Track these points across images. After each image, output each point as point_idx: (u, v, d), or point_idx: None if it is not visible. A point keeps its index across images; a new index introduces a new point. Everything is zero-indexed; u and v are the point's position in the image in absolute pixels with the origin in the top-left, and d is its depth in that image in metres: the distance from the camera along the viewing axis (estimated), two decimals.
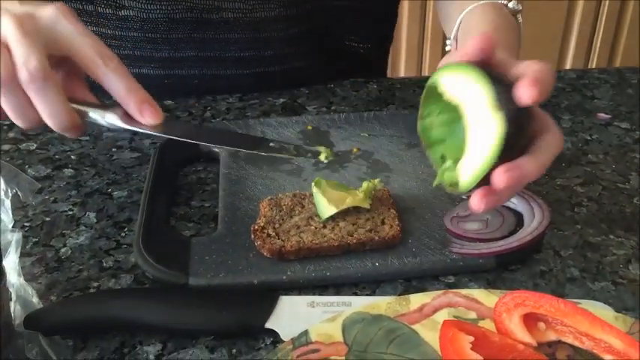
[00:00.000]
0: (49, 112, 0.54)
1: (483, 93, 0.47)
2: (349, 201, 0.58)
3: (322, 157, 0.59)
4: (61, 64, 0.56)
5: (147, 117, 0.56)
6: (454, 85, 0.50)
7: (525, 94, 0.46)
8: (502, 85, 0.47)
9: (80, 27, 0.55)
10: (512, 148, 0.47)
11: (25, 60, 0.51)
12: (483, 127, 0.48)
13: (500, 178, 0.47)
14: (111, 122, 0.56)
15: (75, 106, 0.56)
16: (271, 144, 0.60)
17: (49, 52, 0.53)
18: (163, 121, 0.56)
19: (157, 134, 0.57)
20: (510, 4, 0.72)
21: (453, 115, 0.51)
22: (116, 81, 0.55)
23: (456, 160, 0.51)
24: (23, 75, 0.51)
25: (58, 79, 0.54)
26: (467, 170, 0.49)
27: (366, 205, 0.59)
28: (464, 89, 0.49)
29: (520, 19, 0.74)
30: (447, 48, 0.77)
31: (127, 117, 0.56)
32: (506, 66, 0.51)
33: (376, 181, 0.62)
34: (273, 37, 0.85)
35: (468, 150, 0.49)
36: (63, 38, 0.54)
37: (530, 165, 0.48)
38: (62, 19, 0.54)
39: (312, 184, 0.60)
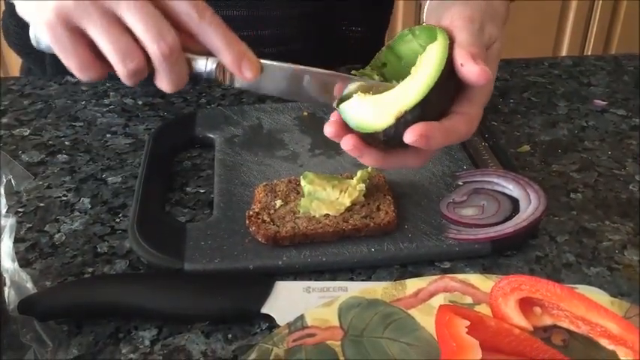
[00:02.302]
0: (174, 80, 0.52)
1: (441, 49, 0.48)
2: (344, 201, 0.58)
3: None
4: None
5: (245, 72, 0.52)
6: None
7: (476, 69, 0.47)
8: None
9: None
10: (435, 101, 0.47)
11: (160, 34, 0.49)
12: (428, 61, 0.48)
13: (415, 129, 0.46)
14: (209, 75, 0.53)
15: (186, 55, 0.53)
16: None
17: None
18: (262, 75, 0.53)
19: (254, 90, 0.55)
20: None
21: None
22: (212, 34, 0.51)
23: (397, 78, 0.51)
24: (163, 51, 0.49)
25: (180, 48, 0.51)
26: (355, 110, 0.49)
27: (361, 198, 0.58)
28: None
29: None
30: None
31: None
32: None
33: (370, 168, 0.62)
34: (271, 16, 0.84)
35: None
36: None
37: (438, 133, 0.48)
38: None
39: (301, 178, 0.60)
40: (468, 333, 0.41)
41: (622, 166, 0.69)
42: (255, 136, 0.72)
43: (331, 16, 0.91)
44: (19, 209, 0.62)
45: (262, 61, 0.53)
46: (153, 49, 0.49)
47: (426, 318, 0.46)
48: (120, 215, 0.61)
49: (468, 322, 0.41)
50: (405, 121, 0.46)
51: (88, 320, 0.50)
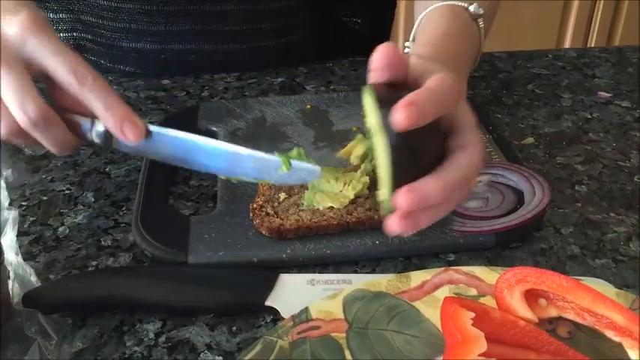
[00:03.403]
0: (52, 144, 0.53)
1: (374, 116, 0.46)
2: (348, 194, 0.58)
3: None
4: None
5: (128, 135, 0.52)
6: (367, 109, 0.49)
7: (396, 118, 0.43)
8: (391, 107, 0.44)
9: (50, 43, 0.51)
10: (407, 170, 0.46)
11: (21, 106, 0.50)
12: (378, 152, 0.47)
13: (400, 199, 0.45)
14: (98, 139, 0.54)
15: (69, 117, 0.54)
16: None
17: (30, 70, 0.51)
18: (151, 138, 0.53)
19: (143, 155, 0.54)
20: (471, 8, 0.67)
21: None
22: (93, 99, 0.52)
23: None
24: (24, 121, 0.50)
25: (54, 114, 0.52)
26: (380, 194, 0.48)
27: (365, 190, 0.58)
28: (368, 113, 0.48)
29: (481, 23, 0.68)
30: (406, 50, 0.72)
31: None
32: (421, 76, 0.48)
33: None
34: (270, 8, 0.84)
35: (378, 174, 0.48)
36: (34, 58, 0.51)
37: (430, 185, 0.45)
38: (29, 37, 0.51)
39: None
40: (473, 325, 0.41)
41: (627, 158, 0.69)
42: (258, 129, 0.71)
43: (331, 8, 0.90)
44: (23, 203, 0.62)
45: (152, 127, 0.53)
46: (17, 117, 0.50)
47: (430, 310, 0.46)
48: (123, 208, 0.61)
49: (473, 314, 0.41)
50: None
51: (93, 313, 0.50)
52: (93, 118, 0.53)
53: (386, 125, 0.45)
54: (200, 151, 0.53)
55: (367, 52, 0.96)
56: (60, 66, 0.51)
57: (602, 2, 2.06)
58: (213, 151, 0.53)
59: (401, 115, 0.43)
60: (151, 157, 0.55)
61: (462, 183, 0.48)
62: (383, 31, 1.01)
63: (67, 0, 0.82)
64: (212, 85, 0.84)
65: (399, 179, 0.45)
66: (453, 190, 0.47)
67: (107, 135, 0.53)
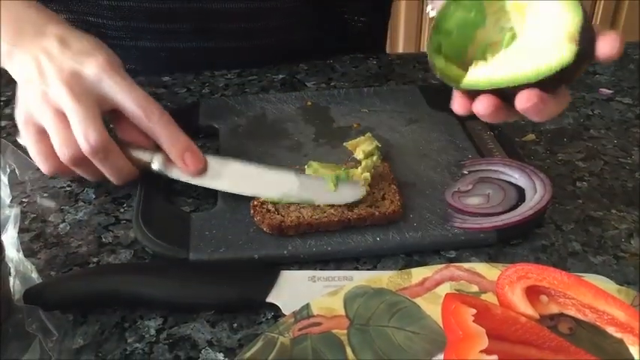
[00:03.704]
0: (111, 173, 0.59)
1: (568, 20, 0.46)
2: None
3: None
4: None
5: (189, 165, 0.59)
6: None
7: (611, 46, 0.46)
8: (587, 22, 0.46)
9: (123, 82, 0.58)
10: (552, 81, 0.46)
11: (85, 134, 0.55)
12: (543, 49, 0.46)
13: (525, 99, 0.47)
14: (159, 168, 0.60)
15: (131, 152, 0.60)
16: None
17: (100, 108, 0.57)
18: (210, 168, 0.60)
19: (203, 185, 0.60)
20: None
21: (478, 17, 0.51)
22: (159, 132, 0.59)
23: (456, 55, 0.51)
24: (86, 149, 0.56)
25: (115, 145, 0.58)
26: (487, 73, 0.48)
27: (366, 187, 0.58)
28: (539, 5, 0.48)
29: None
30: (429, 9, 0.73)
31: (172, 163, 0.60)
32: None
33: (375, 157, 0.61)
34: (271, 7, 0.84)
35: (501, 56, 0.48)
36: (108, 96, 0.58)
37: (552, 105, 0.49)
38: (105, 77, 0.57)
39: (306, 167, 0.59)
40: (474, 321, 0.41)
41: (628, 155, 0.69)
42: (259, 126, 0.71)
43: (332, 5, 0.90)
44: (24, 199, 0.62)
45: (212, 157, 0.60)
46: (81, 144, 0.56)
47: (431, 307, 0.46)
48: (124, 205, 0.61)
49: (474, 311, 0.41)
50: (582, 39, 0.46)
51: (94, 310, 0.50)
52: (153, 150, 0.60)
53: (582, 36, 0.46)
54: (255, 179, 0.59)
55: (364, 48, 0.96)
56: (130, 102, 0.58)
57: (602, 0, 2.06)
58: (267, 178, 0.59)
59: (618, 46, 0.47)
60: (209, 187, 0.60)
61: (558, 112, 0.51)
62: (382, 28, 1.01)
63: (68, 1, 0.82)
64: (212, 81, 0.84)
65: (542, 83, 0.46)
66: (554, 115, 0.51)
67: (167, 165, 0.60)
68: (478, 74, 0.49)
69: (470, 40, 0.52)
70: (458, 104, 0.52)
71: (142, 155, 0.60)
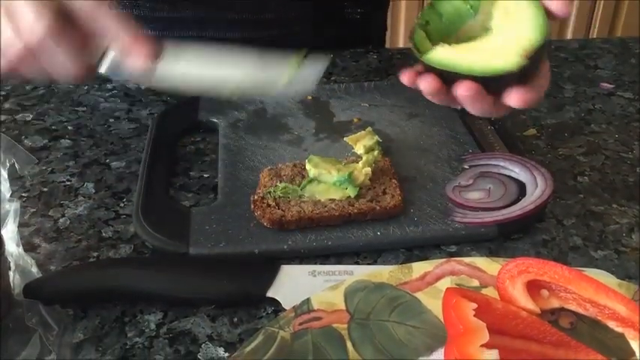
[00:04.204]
0: (56, 69, 0.52)
1: (530, 36, 0.49)
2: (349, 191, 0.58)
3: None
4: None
5: (141, 51, 0.53)
6: None
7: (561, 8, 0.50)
8: (544, 46, 0.50)
9: None
10: (493, 81, 0.50)
11: (36, 19, 0.49)
12: (499, 51, 0.50)
13: (464, 87, 0.50)
14: (108, 67, 0.53)
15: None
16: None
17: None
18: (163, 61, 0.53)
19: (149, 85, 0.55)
20: None
21: (471, 12, 0.54)
22: (107, 25, 0.53)
23: (437, 37, 0.53)
24: (38, 34, 0.50)
25: (64, 34, 0.51)
26: (446, 55, 0.51)
27: (366, 181, 0.58)
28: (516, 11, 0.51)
29: None
30: None
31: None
32: None
33: (376, 152, 0.61)
34: None
35: (464, 46, 0.51)
36: None
37: (488, 105, 0.52)
38: None
39: (307, 161, 0.59)
40: (475, 316, 0.41)
41: (629, 149, 0.69)
42: (259, 120, 0.71)
43: None
44: (23, 194, 0.62)
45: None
46: (31, 30, 0.50)
47: (432, 301, 0.46)
48: (124, 200, 0.61)
49: (475, 305, 0.41)
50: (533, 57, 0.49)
51: (94, 304, 0.50)
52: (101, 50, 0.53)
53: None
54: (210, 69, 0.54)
55: (364, 40, 0.95)
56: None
57: None
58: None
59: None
60: (158, 86, 0.54)
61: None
62: (380, 19, 1.01)
63: None
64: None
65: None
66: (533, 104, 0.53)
67: (117, 63, 0.53)
68: (439, 54, 0.51)
69: (455, 29, 0.55)
70: (407, 76, 0.54)
71: (90, 56, 0.53)
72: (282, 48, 0.87)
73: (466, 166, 0.63)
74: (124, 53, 0.53)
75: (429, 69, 0.52)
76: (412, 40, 0.54)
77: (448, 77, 0.51)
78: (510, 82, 0.50)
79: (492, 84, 0.50)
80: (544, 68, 0.53)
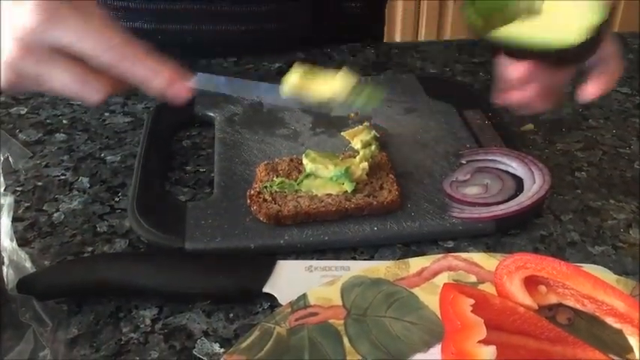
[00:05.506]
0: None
1: (590, 15, 0.51)
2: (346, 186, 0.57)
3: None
4: None
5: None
6: None
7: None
8: (606, 26, 0.52)
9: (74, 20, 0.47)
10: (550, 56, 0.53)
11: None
12: (557, 28, 0.51)
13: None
14: None
15: None
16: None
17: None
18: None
19: None
20: None
21: None
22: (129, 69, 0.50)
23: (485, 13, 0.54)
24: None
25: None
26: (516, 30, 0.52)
27: (363, 176, 0.58)
28: None
29: None
30: None
31: None
32: None
33: (373, 147, 0.61)
34: None
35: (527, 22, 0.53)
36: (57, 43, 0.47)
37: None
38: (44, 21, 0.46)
39: (303, 156, 0.59)
40: (472, 312, 0.40)
41: (626, 145, 0.68)
42: (255, 115, 0.71)
43: None
44: (17, 188, 0.61)
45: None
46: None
47: (429, 297, 0.45)
48: (119, 194, 0.61)
49: (472, 301, 0.41)
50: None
51: (88, 299, 0.49)
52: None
53: None
54: None
55: (361, 34, 0.95)
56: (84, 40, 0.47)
57: None
58: None
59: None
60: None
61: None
62: (378, 13, 1.00)
63: None
64: (209, 70, 0.83)
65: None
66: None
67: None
68: (509, 30, 0.53)
69: (500, 7, 0.55)
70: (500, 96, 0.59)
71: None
72: (279, 42, 0.87)
73: (463, 161, 0.62)
74: (162, 94, 0.51)
75: (491, 45, 0.54)
76: (467, 16, 0.55)
77: (513, 55, 0.54)
78: (568, 56, 0.52)
79: (548, 58, 0.53)
80: (610, 49, 0.57)
